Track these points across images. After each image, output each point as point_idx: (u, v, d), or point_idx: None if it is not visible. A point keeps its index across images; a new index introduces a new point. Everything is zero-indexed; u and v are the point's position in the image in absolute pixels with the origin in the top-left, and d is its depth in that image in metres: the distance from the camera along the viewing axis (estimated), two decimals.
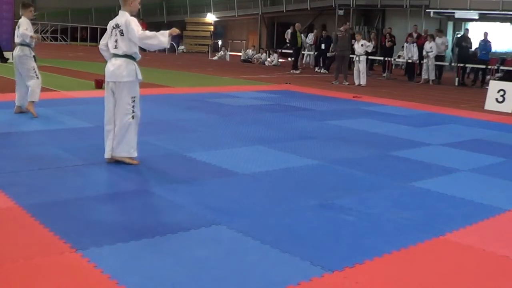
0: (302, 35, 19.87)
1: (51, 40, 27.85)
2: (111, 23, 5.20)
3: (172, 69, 16.41)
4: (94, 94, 9.96)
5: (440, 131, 8.10)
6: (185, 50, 27.02)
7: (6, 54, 15.73)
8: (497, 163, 6.12)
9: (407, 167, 5.74)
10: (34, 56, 7.79)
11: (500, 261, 3.42)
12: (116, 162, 5.16)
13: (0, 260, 3.00)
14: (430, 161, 5.98)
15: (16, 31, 7.79)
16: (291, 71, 18.08)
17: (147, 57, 21.87)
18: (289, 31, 22.85)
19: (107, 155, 5.18)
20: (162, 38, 4.97)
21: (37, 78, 7.72)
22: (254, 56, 23.07)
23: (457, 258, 3.45)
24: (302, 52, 21.03)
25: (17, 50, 7.78)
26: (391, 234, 3.76)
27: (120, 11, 5.18)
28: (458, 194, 4.79)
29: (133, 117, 5.16)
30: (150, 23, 27.38)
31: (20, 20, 7.69)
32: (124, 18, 5.08)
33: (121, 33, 5.05)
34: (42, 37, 27.76)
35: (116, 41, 5.10)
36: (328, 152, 6.22)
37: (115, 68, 5.11)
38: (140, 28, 5.04)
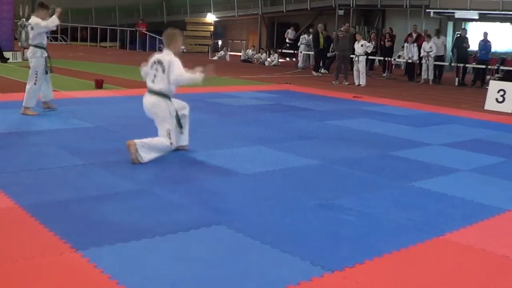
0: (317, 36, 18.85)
1: (51, 40, 27.75)
2: (153, 58, 5.47)
3: None
4: (94, 94, 9.97)
5: (440, 131, 8.10)
6: (185, 50, 26.97)
7: (6, 54, 15.74)
8: (497, 163, 6.12)
9: (407, 167, 5.74)
10: (46, 57, 7.70)
11: (500, 261, 3.42)
12: (115, 162, 5.17)
13: (0, 260, 3.00)
14: (430, 161, 5.98)
15: (29, 33, 7.75)
16: (314, 74, 17.33)
17: (147, 57, 21.85)
18: (289, 30, 22.84)
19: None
20: (198, 78, 5.37)
21: (34, 84, 7.53)
22: (254, 56, 23.07)
23: (457, 258, 3.45)
24: (301, 52, 21.01)
25: (29, 51, 7.73)
26: (391, 234, 3.76)
27: (164, 49, 5.50)
28: (458, 194, 4.79)
29: (171, 143, 5.42)
30: (150, 23, 27.39)
31: (32, 20, 7.62)
32: (168, 57, 5.35)
33: (163, 71, 5.33)
34: None
35: (155, 76, 5.39)
36: (328, 152, 6.22)
37: (150, 106, 5.46)
38: (182, 69, 5.33)
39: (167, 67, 5.30)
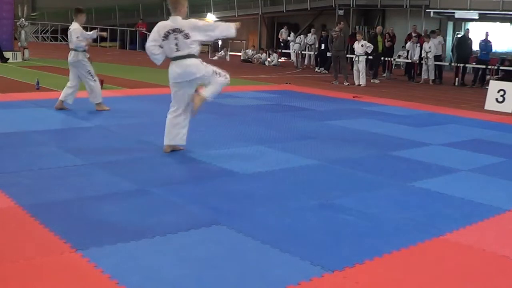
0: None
1: (51, 40, 27.85)
2: (166, 28, 5.43)
3: None
4: None
5: (440, 131, 8.10)
6: None
7: (6, 54, 15.74)
8: (497, 163, 6.12)
9: (407, 167, 5.74)
10: (88, 59, 8.12)
11: (500, 261, 3.42)
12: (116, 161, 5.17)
13: (0, 260, 3.00)
14: (430, 161, 5.98)
15: (69, 36, 8.10)
16: (372, 81, 15.80)
17: (147, 57, 21.86)
18: (283, 30, 22.80)
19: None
20: (231, 29, 5.53)
21: (95, 80, 8.06)
22: (254, 56, 23.06)
23: (457, 258, 3.45)
24: (303, 52, 21.02)
25: (71, 55, 8.06)
26: (391, 234, 3.76)
27: (172, 16, 5.47)
28: (458, 194, 4.79)
29: (226, 77, 5.63)
30: (150, 23, 27.35)
31: (72, 26, 8.02)
32: (184, 21, 5.41)
33: (186, 37, 5.37)
34: (42, 37, 27.79)
35: (176, 44, 5.41)
36: (328, 152, 6.22)
37: (185, 67, 5.46)
38: (207, 23, 5.57)
39: (192, 31, 5.37)
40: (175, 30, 5.40)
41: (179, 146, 5.77)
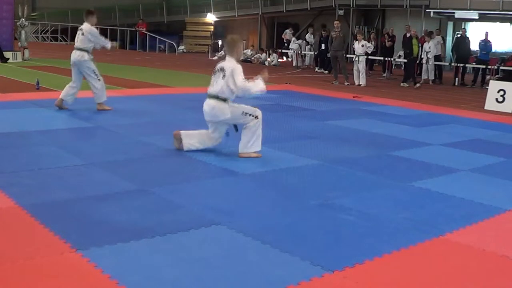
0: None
1: (51, 40, 27.82)
2: (217, 66, 5.66)
3: (172, 69, 16.41)
4: None
5: (440, 131, 8.10)
6: (185, 50, 27.00)
7: (6, 54, 15.74)
8: (497, 163, 6.12)
9: (407, 167, 5.74)
10: (92, 59, 8.19)
11: (500, 261, 3.42)
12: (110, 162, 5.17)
13: (0, 260, 3.00)
14: (430, 161, 5.98)
15: (78, 36, 8.17)
16: (401, 84, 15.16)
17: (147, 57, 21.86)
18: (287, 31, 22.80)
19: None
20: (261, 86, 5.68)
21: (99, 80, 8.11)
22: (254, 56, 23.06)
23: (457, 258, 3.45)
24: (304, 52, 21.01)
25: (75, 55, 8.10)
26: (391, 234, 3.76)
27: (227, 57, 5.67)
28: (458, 194, 4.79)
29: (256, 117, 5.63)
30: (150, 23, 27.37)
31: (84, 27, 8.11)
32: (230, 63, 5.54)
33: (223, 77, 5.49)
34: (42, 37, 27.78)
35: (216, 82, 5.56)
36: (328, 152, 6.22)
37: (209, 109, 5.59)
38: (242, 77, 5.50)
39: (228, 74, 5.46)
40: (220, 69, 5.58)
41: (180, 145, 5.79)
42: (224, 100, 5.55)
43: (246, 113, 5.60)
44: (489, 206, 4.50)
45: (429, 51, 16.24)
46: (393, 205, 4.40)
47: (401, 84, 15.26)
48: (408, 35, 15.35)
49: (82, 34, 8.08)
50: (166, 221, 3.74)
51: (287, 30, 22.76)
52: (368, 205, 4.35)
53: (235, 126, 5.74)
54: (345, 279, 3.02)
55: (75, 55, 8.07)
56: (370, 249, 3.44)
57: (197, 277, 2.94)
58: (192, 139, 5.77)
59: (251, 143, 5.63)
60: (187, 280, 2.91)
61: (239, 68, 5.51)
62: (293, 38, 21.70)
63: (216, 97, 5.55)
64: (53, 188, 4.36)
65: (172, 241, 3.41)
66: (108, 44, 8.49)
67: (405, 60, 16.18)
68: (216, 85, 5.55)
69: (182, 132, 5.79)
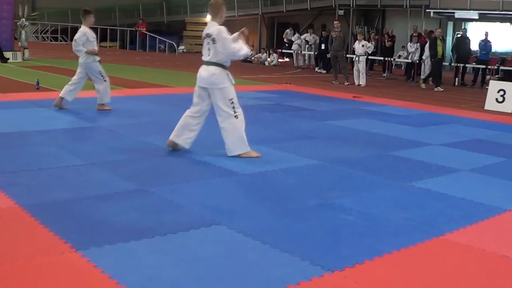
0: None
1: (51, 40, 27.82)
2: (204, 33, 5.56)
3: (172, 69, 16.40)
4: (94, 94, 9.94)
5: (440, 131, 8.10)
6: (185, 50, 27.00)
7: (6, 54, 15.74)
8: (497, 163, 6.12)
9: (407, 167, 5.74)
10: (98, 61, 8.21)
11: (500, 261, 3.42)
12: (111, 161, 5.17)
13: (0, 260, 3.00)
14: (430, 161, 5.98)
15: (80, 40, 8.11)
16: (436, 89, 14.47)
17: (147, 57, 21.86)
18: (288, 31, 22.78)
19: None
20: (245, 50, 5.54)
21: (105, 81, 8.16)
22: (254, 56, 23.05)
23: (457, 258, 3.45)
24: (303, 52, 21.00)
25: (83, 57, 8.10)
26: (391, 234, 3.76)
27: (210, 21, 5.61)
28: (458, 194, 4.79)
29: (236, 116, 5.53)
30: (150, 23, 27.35)
31: (80, 30, 8.06)
32: (215, 27, 5.45)
33: (213, 42, 5.42)
34: (42, 37, 27.78)
35: (209, 49, 5.49)
36: (328, 152, 6.22)
37: (207, 75, 5.50)
38: (230, 40, 5.42)
39: (217, 38, 5.38)
40: (208, 36, 5.52)
41: (181, 146, 5.76)
42: (224, 67, 5.51)
43: (232, 102, 5.51)
44: (489, 206, 4.50)
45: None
46: (393, 205, 4.40)
47: (435, 89, 14.42)
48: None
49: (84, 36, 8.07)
50: (166, 221, 3.74)
51: (287, 30, 22.75)
52: (368, 205, 4.35)
53: None
54: (345, 279, 3.02)
55: (80, 57, 8.12)
56: (370, 249, 3.44)
57: (197, 277, 2.94)
58: (183, 134, 5.68)
59: (236, 144, 5.58)
60: (187, 280, 2.91)
61: (224, 31, 5.41)
62: (297, 35, 21.64)
63: (214, 63, 5.49)
64: (53, 188, 4.36)
65: (172, 241, 3.41)
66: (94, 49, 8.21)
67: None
68: (210, 52, 5.48)
69: (171, 137, 5.70)
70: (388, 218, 4.07)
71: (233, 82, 5.59)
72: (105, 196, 4.23)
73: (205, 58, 5.56)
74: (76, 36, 8.03)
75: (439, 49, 14.71)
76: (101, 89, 8.12)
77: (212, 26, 5.51)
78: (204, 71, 5.55)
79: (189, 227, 3.63)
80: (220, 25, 5.51)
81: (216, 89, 5.51)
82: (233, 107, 5.53)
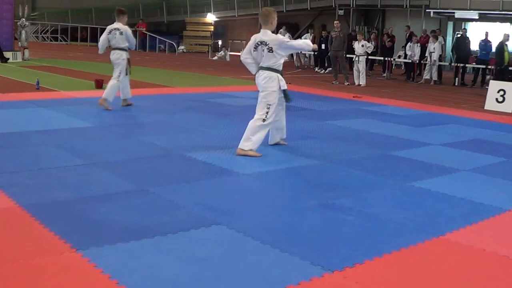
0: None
1: (51, 40, 27.82)
2: (256, 39, 5.81)
3: (172, 69, 16.40)
4: (94, 94, 9.94)
5: (440, 131, 8.10)
6: (185, 50, 27.01)
7: (6, 54, 15.74)
8: (497, 163, 6.12)
9: (407, 167, 5.74)
10: (128, 59, 8.50)
11: (500, 261, 3.42)
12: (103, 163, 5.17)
13: (0, 260, 3.00)
14: (430, 161, 5.98)
15: (115, 35, 8.36)
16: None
17: (147, 57, 21.86)
18: (281, 30, 22.72)
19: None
20: (308, 43, 6.10)
21: (117, 81, 8.31)
22: None
23: (457, 258, 3.45)
24: (303, 53, 20.98)
25: (114, 54, 8.37)
26: (391, 234, 3.76)
27: (262, 29, 5.81)
28: (458, 194, 4.79)
29: (264, 120, 5.78)
30: (150, 23, 27.36)
31: (120, 26, 8.35)
32: (270, 36, 5.72)
33: (270, 50, 5.69)
34: (42, 37, 27.78)
35: (262, 56, 5.76)
36: (328, 152, 6.22)
37: (262, 80, 5.78)
38: (288, 40, 6.03)
39: (276, 47, 5.65)
40: (263, 43, 5.73)
41: (282, 143, 6.32)
42: (277, 72, 5.76)
43: (268, 106, 5.74)
44: (489, 206, 4.50)
45: (434, 52, 16.20)
46: (393, 205, 4.40)
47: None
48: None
49: (121, 33, 8.30)
50: (166, 221, 3.74)
51: (281, 30, 22.70)
52: (368, 205, 4.35)
53: (285, 95, 5.86)
54: (345, 279, 3.02)
55: (113, 55, 8.36)
56: (370, 249, 3.44)
57: (197, 277, 2.94)
58: (274, 134, 6.21)
59: (250, 140, 5.75)
60: (187, 280, 2.91)
61: (281, 38, 5.80)
62: (288, 34, 21.58)
63: (269, 69, 5.75)
64: (53, 188, 4.36)
65: (172, 241, 3.41)
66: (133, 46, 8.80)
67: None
68: (265, 58, 5.72)
69: (270, 142, 6.21)
70: (388, 218, 4.07)
71: (284, 87, 5.80)
72: (105, 196, 4.23)
73: (260, 65, 5.82)
74: (129, 32, 8.39)
75: (506, 55, 12.89)
76: (110, 84, 8.27)
77: (266, 34, 5.73)
78: (260, 76, 5.80)
79: (189, 227, 3.63)
80: (272, 31, 5.80)
81: (268, 93, 5.75)
82: (267, 112, 5.74)
